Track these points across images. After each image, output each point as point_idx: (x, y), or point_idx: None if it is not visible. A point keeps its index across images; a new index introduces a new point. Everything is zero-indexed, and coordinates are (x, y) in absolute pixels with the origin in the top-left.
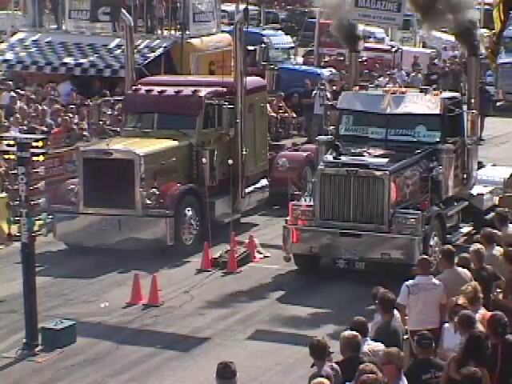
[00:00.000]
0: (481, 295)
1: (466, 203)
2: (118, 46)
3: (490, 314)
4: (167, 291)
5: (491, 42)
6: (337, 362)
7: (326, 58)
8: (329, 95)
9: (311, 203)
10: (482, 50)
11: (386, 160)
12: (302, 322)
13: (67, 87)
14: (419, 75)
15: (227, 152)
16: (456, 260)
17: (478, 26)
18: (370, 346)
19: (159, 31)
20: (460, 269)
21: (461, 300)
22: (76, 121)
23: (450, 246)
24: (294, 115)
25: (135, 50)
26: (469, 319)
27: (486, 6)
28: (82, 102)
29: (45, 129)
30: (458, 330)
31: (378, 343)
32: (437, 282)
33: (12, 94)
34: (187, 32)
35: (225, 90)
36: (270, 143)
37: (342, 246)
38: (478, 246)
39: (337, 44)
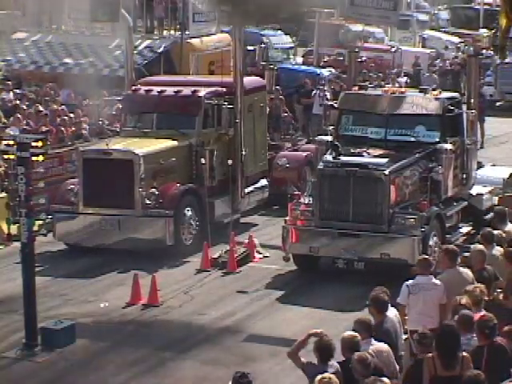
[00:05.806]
0: (486, 298)
1: (466, 203)
2: (118, 47)
3: (479, 314)
4: (167, 291)
5: (499, 38)
6: (338, 363)
7: (326, 58)
8: (328, 95)
9: (310, 203)
10: (483, 51)
11: (386, 160)
12: (302, 323)
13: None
14: (433, 75)
15: (227, 152)
16: (458, 260)
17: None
18: (374, 346)
19: (159, 31)
20: (462, 269)
21: (464, 300)
22: (75, 121)
23: (453, 246)
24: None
25: (135, 51)
26: (468, 320)
27: (486, 6)
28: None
29: (43, 129)
30: (460, 330)
31: (382, 343)
32: (437, 282)
33: (12, 94)
34: (187, 32)
35: (224, 90)
36: (270, 143)
37: (341, 246)
38: (480, 246)
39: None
